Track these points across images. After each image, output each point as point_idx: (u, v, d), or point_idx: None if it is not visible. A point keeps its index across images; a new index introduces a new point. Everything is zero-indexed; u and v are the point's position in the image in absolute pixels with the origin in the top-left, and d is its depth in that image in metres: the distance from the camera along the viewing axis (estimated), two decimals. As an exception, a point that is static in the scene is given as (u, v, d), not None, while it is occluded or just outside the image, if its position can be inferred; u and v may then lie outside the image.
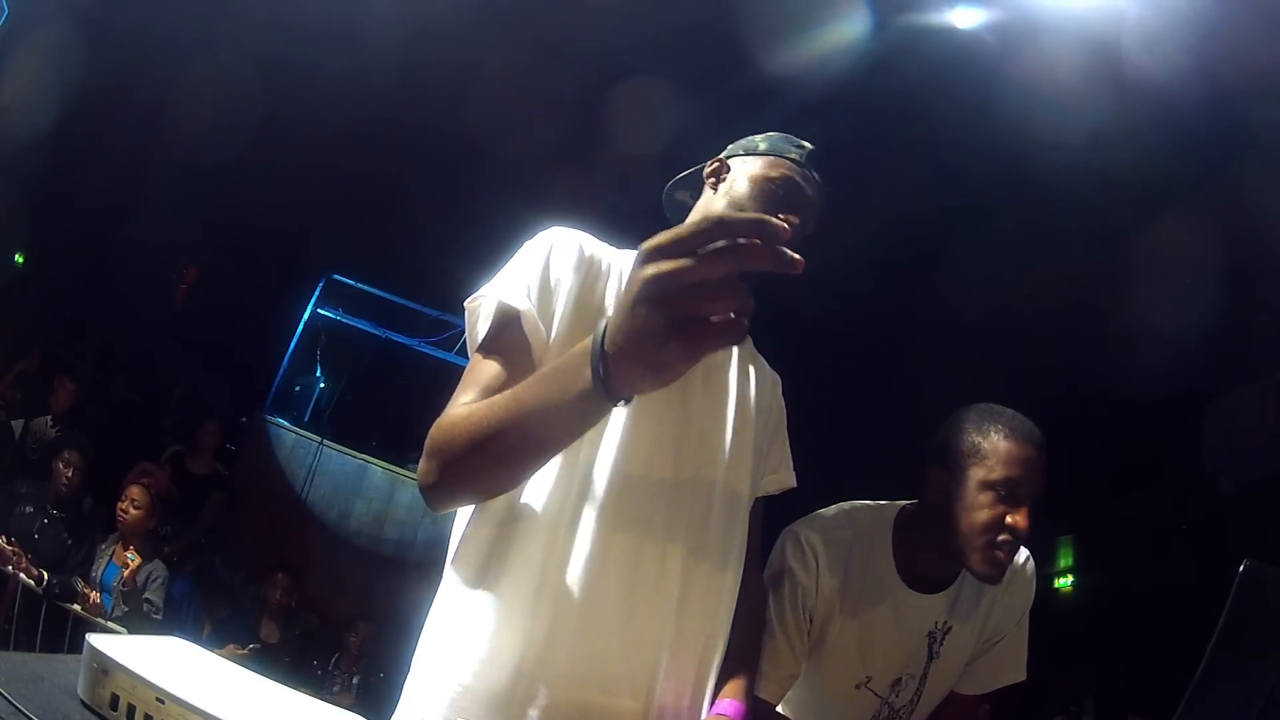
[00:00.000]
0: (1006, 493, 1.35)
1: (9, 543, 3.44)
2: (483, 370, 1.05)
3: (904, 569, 1.49)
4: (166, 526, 4.35)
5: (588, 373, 0.75)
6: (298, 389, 6.59)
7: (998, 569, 1.37)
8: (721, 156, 1.36)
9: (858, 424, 5.29)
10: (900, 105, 3.80)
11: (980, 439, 1.39)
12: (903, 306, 4.80)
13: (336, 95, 4.55)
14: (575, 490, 1.07)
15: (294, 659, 4.51)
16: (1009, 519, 1.34)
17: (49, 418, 4.80)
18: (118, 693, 0.85)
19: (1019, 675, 1.57)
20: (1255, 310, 3.84)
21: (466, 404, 0.99)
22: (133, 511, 3.77)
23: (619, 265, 1.20)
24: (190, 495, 4.93)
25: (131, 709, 0.84)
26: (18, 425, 4.72)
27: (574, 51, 4.08)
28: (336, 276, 6.47)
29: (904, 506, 1.55)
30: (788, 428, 1.39)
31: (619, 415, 1.09)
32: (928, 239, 4.30)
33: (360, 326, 6.47)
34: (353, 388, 6.56)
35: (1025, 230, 4.05)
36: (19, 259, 6.01)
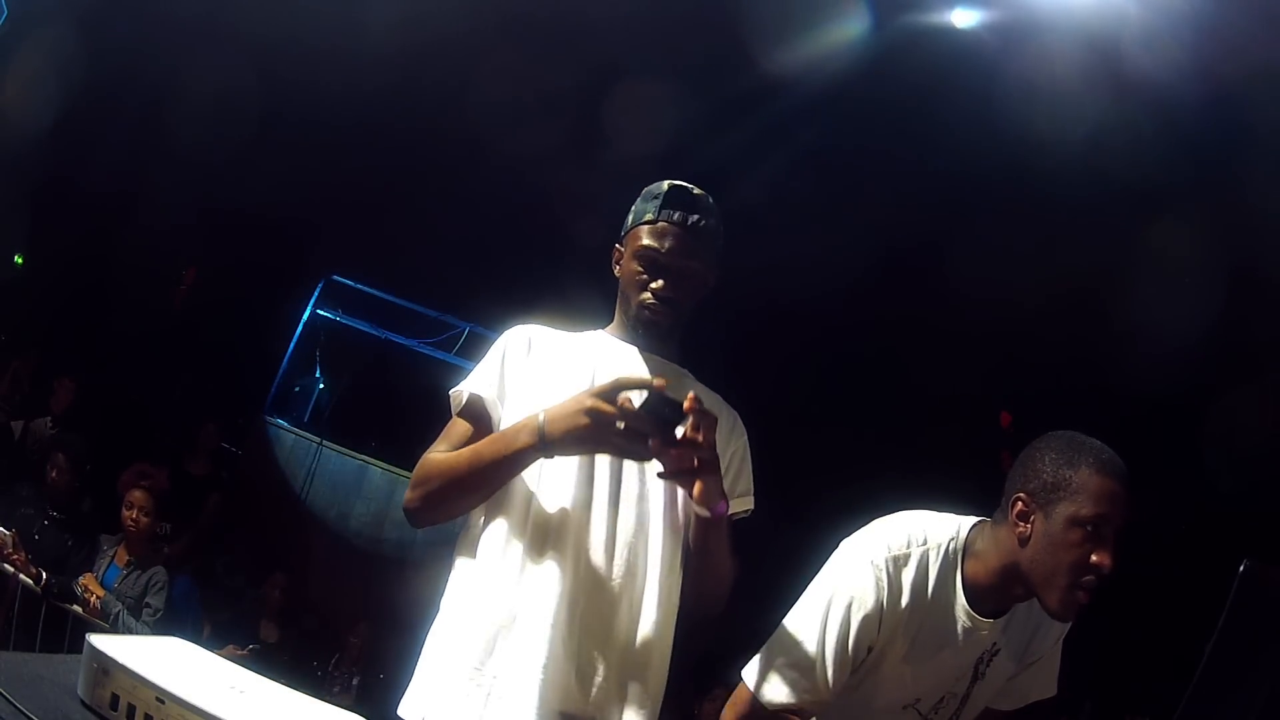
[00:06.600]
0: (1094, 530, 1.30)
1: (8, 530, 3.41)
2: (455, 429, 1.43)
3: (970, 592, 1.42)
4: (166, 525, 4.35)
5: (524, 437, 1.26)
6: (297, 390, 6.58)
7: (1075, 610, 1.33)
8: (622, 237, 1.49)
9: (857, 421, 5.29)
10: (900, 105, 3.81)
11: (1070, 472, 1.32)
12: (902, 305, 4.79)
13: (336, 95, 4.55)
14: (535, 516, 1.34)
15: (294, 659, 4.50)
16: (1094, 558, 1.29)
17: (48, 418, 4.79)
18: (118, 693, 0.86)
19: (1050, 692, 1.55)
20: (1255, 309, 3.84)
21: (442, 451, 1.38)
22: (143, 520, 3.77)
23: (565, 346, 1.46)
24: (189, 496, 4.92)
25: (131, 709, 0.84)
26: (17, 426, 4.72)
27: (574, 52, 4.08)
28: (336, 277, 6.46)
29: (974, 526, 1.47)
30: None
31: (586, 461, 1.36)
32: (926, 237, 4.29)
33: (360, 327, 6.46)
34: (352, 388, 6.55)
35: (1024, 229, 4.05)
36: (19, 259, 6.01)
